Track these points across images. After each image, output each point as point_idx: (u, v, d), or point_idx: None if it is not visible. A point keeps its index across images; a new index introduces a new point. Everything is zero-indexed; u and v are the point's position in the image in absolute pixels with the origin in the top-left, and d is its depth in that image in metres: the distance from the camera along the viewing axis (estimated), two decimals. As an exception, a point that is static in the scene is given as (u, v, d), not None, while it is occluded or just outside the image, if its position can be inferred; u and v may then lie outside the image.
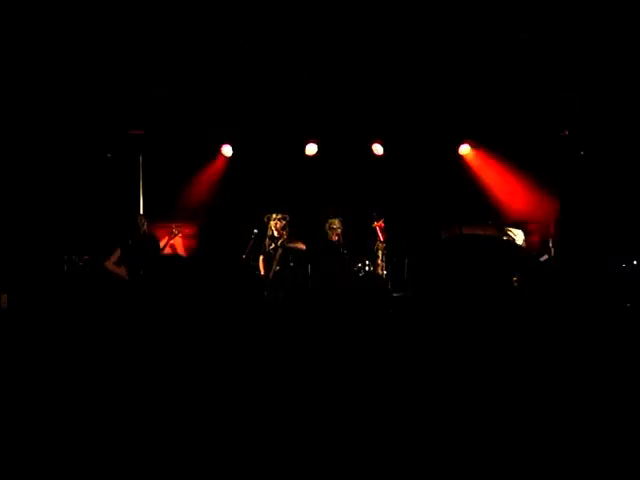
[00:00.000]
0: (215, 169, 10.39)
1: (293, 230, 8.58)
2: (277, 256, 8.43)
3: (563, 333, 3.76)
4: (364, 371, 3.65)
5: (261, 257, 8.59)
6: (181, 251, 9.93)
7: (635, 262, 8.68)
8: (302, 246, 8.58)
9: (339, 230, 8.72)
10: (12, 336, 3.78)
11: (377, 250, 8.90)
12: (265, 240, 8.60)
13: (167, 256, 8.32)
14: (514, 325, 3.84)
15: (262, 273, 8.47)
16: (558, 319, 3.93)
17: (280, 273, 8.41)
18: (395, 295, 8.25)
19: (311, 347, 3.81)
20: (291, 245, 8.52)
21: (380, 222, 8.96)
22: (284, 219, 8.55)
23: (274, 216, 8.56)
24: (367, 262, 8.81)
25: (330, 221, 8.80)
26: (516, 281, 8.65)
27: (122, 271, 9.30)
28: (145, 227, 8.64)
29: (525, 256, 8.04)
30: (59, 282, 8.44)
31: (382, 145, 10.15)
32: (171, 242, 9.02)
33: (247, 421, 3.72)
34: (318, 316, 4.14)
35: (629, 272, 8.36)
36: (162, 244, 8.87)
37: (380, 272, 8.77)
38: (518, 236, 8.87)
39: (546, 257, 9.15)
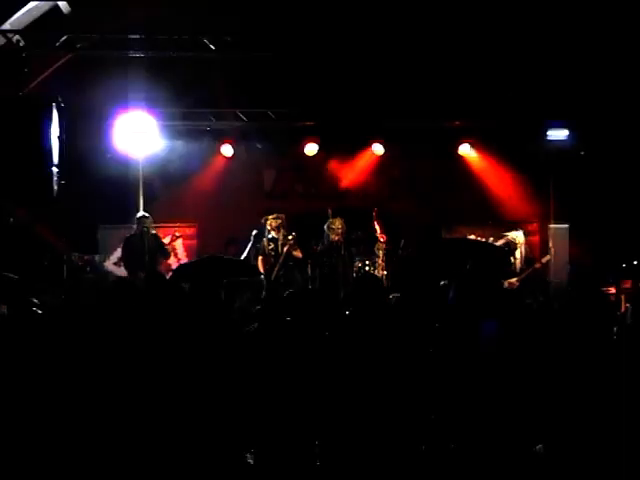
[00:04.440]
0: (215, 169, 10.37)
1: (291, 230, 8.60)
2: (281, 260, 8.45)
3: (559, 338, 3.77)
4: (362, 372, 3.66)
5: (260, 257, 8.60)
6: (181, 252, 9.95)
7: (635, 262, 8.66)
8: (299, 254, 8.58)
9: (340, 230, 8.69)
10: (13, 342, 3.77)
11: (377, 250, 8.89)
12: (264, 241, 8.62)
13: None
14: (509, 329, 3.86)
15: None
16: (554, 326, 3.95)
17: (281, 274, 8.44)
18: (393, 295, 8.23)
19: (308, 347, 3.82)
20: (291, 251, 8.53)
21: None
22: (278, 219, 8.60)
23: (270, 217, 8.62)
24: (367, 262, 8.80)
25: (331, 221, 8.78)
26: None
27: (122, 271, 9.32)
28: (151, 227, 8.65)
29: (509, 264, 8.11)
30: (59, 282, 8.43)
31: (382, 145, 10.15)
32: (172, 244, 9.08)
33: (247, 421, 3.72)
34: (316, 316, 4.14)
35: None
36: (165, 244, 8.89)
37: (380, 272, 8.76)
38: (518, 238, 8.85)
39: (548, 257, 9.14)
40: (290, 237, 8.47)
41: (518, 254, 8.79)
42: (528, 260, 8.85)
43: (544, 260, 9.01)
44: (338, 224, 8.68)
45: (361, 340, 3.69)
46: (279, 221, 8.59)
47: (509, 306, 4.24)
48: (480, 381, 3.73)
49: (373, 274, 8.48)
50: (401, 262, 8.44)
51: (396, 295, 8.30)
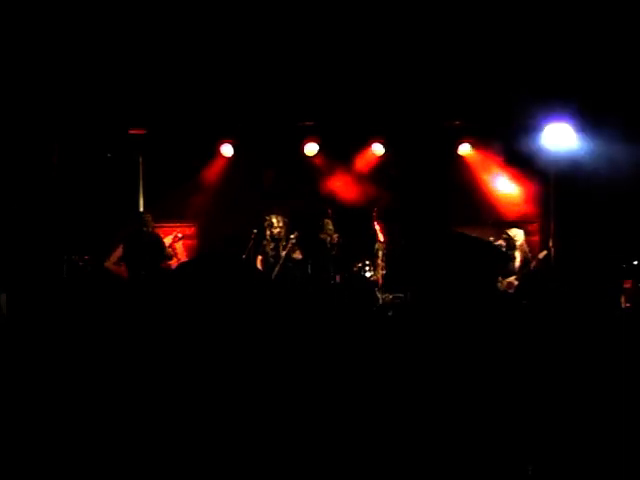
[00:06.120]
0: (215, 169, 10.38)
1: (292, 231, 8.61)
2: (281, 262, 8.47)
3: (557, 336, 3.77)
4: (358, 372, 3.66)
5: (259, 257, 8.60)
6: (182, 252, 9.96)
7: (635, 262, 8.67)
8: (299, 256, 8.59)
9: (331, 232, 8.71)
10: (11, 337, 3.78)
11: (377, 250, 8.90)
12: (264, 241, 8.62)
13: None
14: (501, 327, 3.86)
15: (261, 274, 8.51)
16: (553, 322, 3.94)
17: (280, 274, 8.46)
18: (393, 295, 8.27)
19: (307, 347, 3.83)
20: (291, 254, 8.55)
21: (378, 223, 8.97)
22: (282, 222, 8.58)
23: (274, 220, 8.58)
24: (367, 262, 8.81)
25: (326, 221, 8.79)
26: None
27: (122, 271, 9.34)
28: (151, 226, 8.68)
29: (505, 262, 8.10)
30: (59, 282, 8.46)
31: (382, 145, 10.15)
32: (173, 245, 9.11)
33: (246, 421, 3.73)
34: (316, 316, 4.15)
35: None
36: (166, 245, 8.91)
37: (380, 272, 8.77)
38: (518, 236, 8.87)
39: (545, 253, 9.15)
40: (292, 236, 8.48)
41: (517, 253, 8.80)
42: (526, 259, 8.86)
43: (541, 256, 9.02)
44: (330, 225, 8.72)
45: (356, 340, 3.70)
46: (282, 224, 8.58)
47: (505, 307, 4.24)
48: (478, 381, 3.73)
49: (362, 276, 8.52)
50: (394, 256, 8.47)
51: (395, 295, 8.38)
